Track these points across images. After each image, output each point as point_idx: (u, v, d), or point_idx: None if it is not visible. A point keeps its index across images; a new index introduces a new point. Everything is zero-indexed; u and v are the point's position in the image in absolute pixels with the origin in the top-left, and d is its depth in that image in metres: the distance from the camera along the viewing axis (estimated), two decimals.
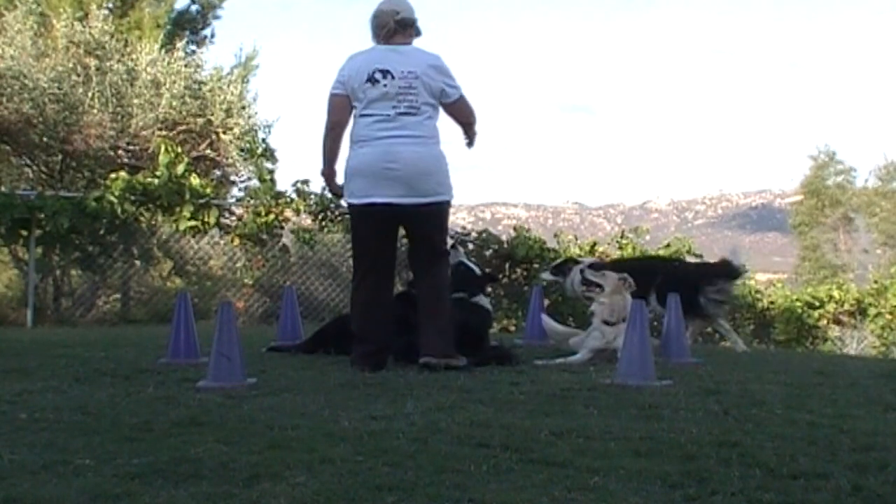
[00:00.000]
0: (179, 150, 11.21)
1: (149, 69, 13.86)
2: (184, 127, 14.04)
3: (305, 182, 11.32)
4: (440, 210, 4.97)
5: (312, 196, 11.28)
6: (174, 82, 13.89)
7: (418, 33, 5.09)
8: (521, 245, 11.18)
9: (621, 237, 12.64)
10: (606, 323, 5.45)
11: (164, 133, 13.36)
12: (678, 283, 6.22)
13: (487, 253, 11.31)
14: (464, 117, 5.07)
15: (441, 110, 4.98)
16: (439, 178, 4.90)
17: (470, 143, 5.24)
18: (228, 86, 14.55)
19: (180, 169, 10.59)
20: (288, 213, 11.17)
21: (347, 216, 11.44)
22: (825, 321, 13.31)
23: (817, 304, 13.32)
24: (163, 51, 14.54)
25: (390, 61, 4.87)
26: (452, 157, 5.03)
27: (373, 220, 4.90)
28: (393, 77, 4.82)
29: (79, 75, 13.47)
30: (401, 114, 4.81)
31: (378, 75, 4.84)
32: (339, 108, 4.98)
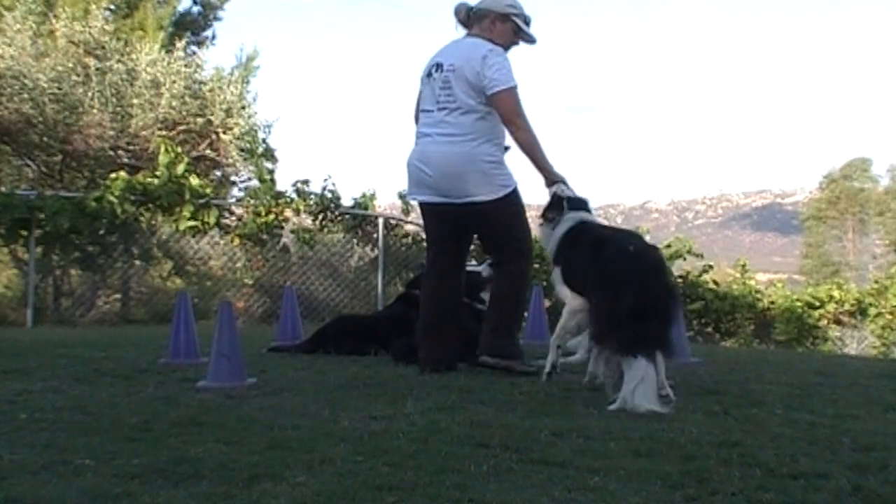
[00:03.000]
0: (179, 150, 11.22)
1: (149, 69, 13.87)
2: (184, 127, 14.05)
3: (305, 182, 11.34)
4: (489, 209, 4.61)
5: (312, 196, 11.29)
6: (174, 82, 13.90)
7: (528, 39, 4.78)
8: None
9: None
10: None
11: (164, 133, 13.37)
12: None
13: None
14: (504, 111, 4.58)
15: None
16: (471, 177, 4.57)
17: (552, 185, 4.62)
18: (228, 86, 14.56)
19: (180, 169, 10.60)
20: (288, 213, 11.18)
21: (347, 216, 11.60)
22: (825, 321, 13.31)
23: (817, 304, 13.33)
24: (163, 51, 14.54)
25: (446, 54, 4.72)
26: None
27: (428, 216, 4.92)
28: (442, 71, 4.64)
29: (79, 75, 13.47)
30: (440, 109, 4.63)
31: (433, 69, 4.71)
32: (416, 104, 4.87)
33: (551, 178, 4.59)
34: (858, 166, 47.12)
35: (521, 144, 4.61)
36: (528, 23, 4.79)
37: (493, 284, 4.90)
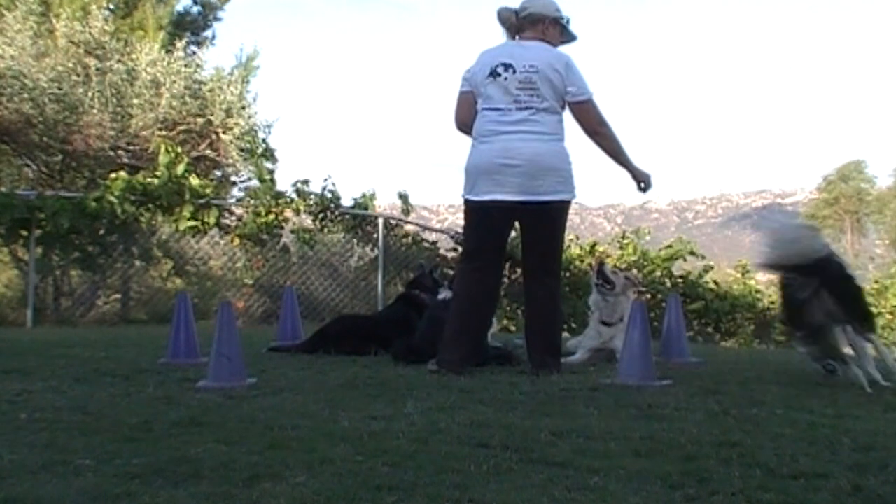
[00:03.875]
0: (179, 150, 11.22)
1: (149, 69, 13.87)
2: (184, 127, 14.05)
3: (305, 182, 11.34)
4: (559, 209, 4.80)
5: (312, 196, 11.29)
6: (174, 82, 13.90)
7: (570, 38, 4.96)
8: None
9: (622, 237, 12.65)
10: (604, 323, 5.46)
11: (164, 133, 13.37)
12: None
13: None
14: (590, 123, 4.81)
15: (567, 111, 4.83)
16: (560, 175, 4.73)
17: (638, 181, 4.89)
18: (228, 86, 14.56)
19: (180, 169, 10.60)
20: (288, 213, 11.18)
21: (347, 216, 11.60)
22: None
23: None
24: (163, 51, 14.55)
25: (514, 55, 4.75)
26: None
27: (491, 217, 4.78)
28: (514, 71, 4.69)
29: (79, 75, 13.47)
30: (520, 108, 4.68)
31: (500, 69, 4.72)
32: (463, 106, 4.89)
33: (638, 177, 4.91)
34: (854, 168, 47.41)
35: (608, 152, 4.85)
36: (568, 23, 4.98)
37: (537, 302, 4.87)
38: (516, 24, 4.90)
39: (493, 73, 4.74)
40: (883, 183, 47.30)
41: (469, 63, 4.95)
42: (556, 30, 4.91)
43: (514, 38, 4.93)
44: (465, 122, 4.91)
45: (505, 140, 4.69)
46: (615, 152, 4.86)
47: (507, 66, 4.73)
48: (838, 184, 46.99)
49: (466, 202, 4.87)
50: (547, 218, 4.79)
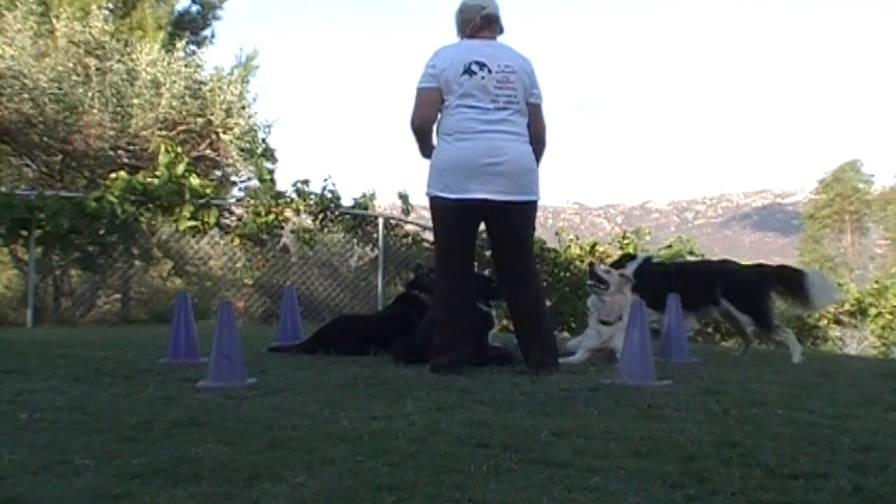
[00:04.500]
0: (179, 150, 11.21)
1: (149, 69, 13.87)
2: (184, 127, 14.05)
3: (305, 182, 11.34)
4: (535, 208, 4.88)
5: (312, 196, 11.29)
6: (174, 82, 13.90)
7: (501, 30, 4.98)
8: None
9: (623, 238, 12.64)
10: (604, 322, 5.46)
11: (164, 133, 13.37)
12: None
13: (487, 253, 11.29)
14: (538, 127, 4.89)
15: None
16: (534, 176, 4.79)
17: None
18: (228, 86, 14.56)
19: (180, 169, 10.60)
20: (288, 213, 11.17)
21: (347, 216, 11.59)
22: (825, 321, 13.29)
23: None
24: (163, 51, 14.55)
25: (486, 55, 4.73)
26: None
27: (466, 216, 4.73)
28: (490, 70, 4.68)
29: (79, 75, 13.47)
30: (499, 108, 4.67)
31: (475, 67, 4.69)
32: (428, 104, 4.78)
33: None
34: (850, 168, 47.58)
35: (539, 157, 4.94)
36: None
37: (526, 303, 4.88)
38: (478, 24, 4.86)
39: (468, 71, 4.70)
40: (886, 182, 47.46)
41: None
42: (498, 26, 4.95)
43: (465, 37, 4.88)
44: (429, 121, 4.82)
45: (488, 139, 4.65)
46: (540, 156, 4.97)
47: (481, 65, 4.70)
48: (834, 185, 47.13)
49: (440, 200, 4.74)
50: (525, 217, 4.84)
